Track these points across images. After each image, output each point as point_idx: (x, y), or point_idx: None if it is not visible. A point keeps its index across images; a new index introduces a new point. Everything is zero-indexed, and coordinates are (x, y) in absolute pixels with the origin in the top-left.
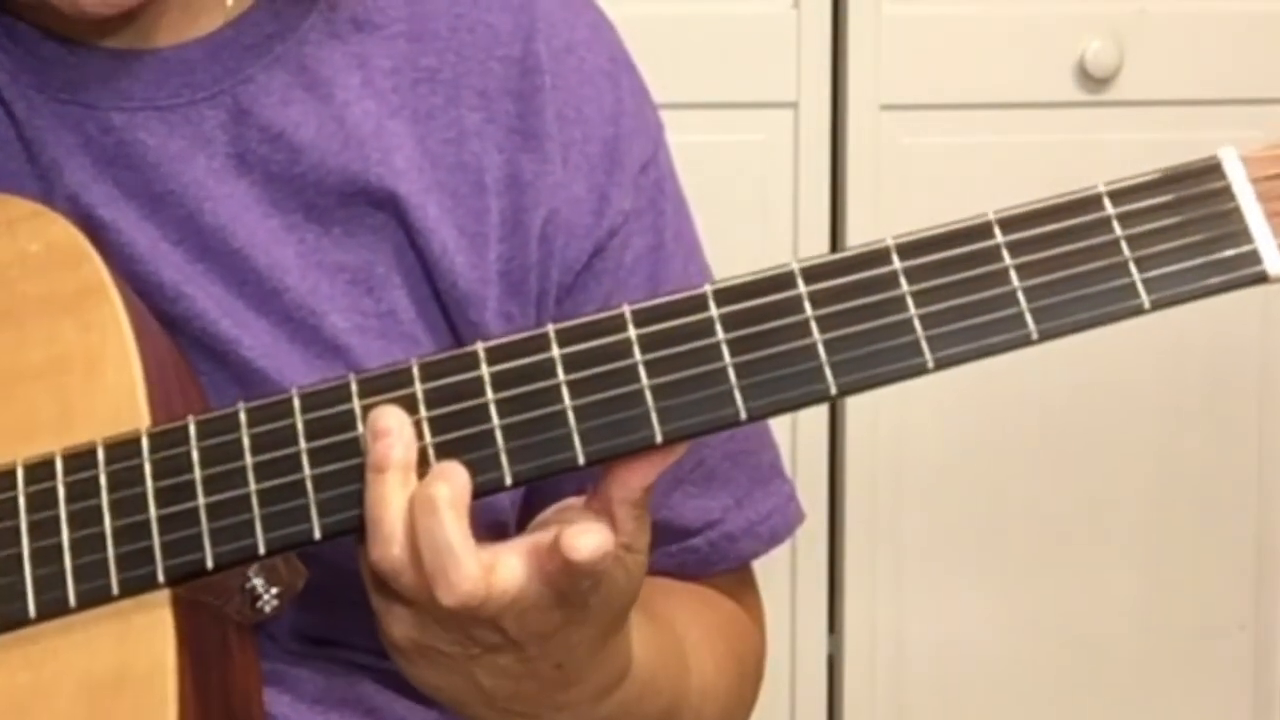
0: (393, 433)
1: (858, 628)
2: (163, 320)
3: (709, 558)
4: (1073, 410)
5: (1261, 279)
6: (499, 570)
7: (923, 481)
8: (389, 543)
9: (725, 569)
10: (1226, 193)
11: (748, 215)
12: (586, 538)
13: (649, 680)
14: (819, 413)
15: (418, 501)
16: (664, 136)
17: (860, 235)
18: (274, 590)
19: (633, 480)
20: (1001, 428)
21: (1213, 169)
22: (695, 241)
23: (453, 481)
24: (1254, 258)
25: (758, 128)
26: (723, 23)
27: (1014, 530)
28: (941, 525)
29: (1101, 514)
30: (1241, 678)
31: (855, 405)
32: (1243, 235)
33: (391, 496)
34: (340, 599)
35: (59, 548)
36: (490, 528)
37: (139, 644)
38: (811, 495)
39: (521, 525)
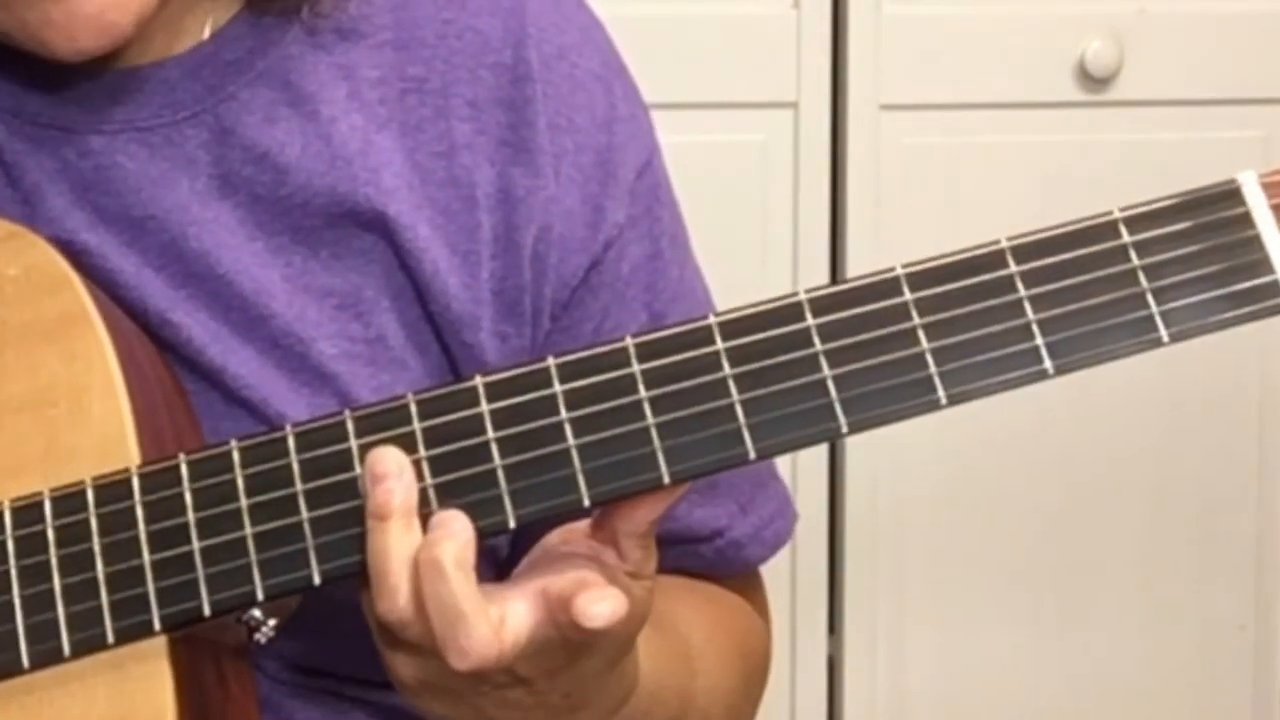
0: (391, 476)
1: (858, 629)
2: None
3: (714, 565)
4: (1072, 408)
5: None
6: (509, 623)
7: (923, 481)
8: (394, 595)
9: (731, 575)
10: (1246, 219)
11: (748, 215)
12: (601, 605)
13: (656, 691)
14: None
15: (423, 564)
16: (657, 140)
17: (860, 236)
18: (271, 622)
19: (638, 516)
20: (1000, 426)
21: (1231, 194)
22: (688, 245)
23: (457, 537)
24: (1275, 289)
25: (758, 128)
26: (723, 23)
27: (1013, 529)
28: (942, 525)
29: (1102, 513)
30: (1241, 678)
31: None
32: (1263, 265)
33: (395, 547)
34: (330, 628)
35: (51, 594)
36: (484, 554)
37: (136, 693)
38: (812, 495)
39: (515, 544)
